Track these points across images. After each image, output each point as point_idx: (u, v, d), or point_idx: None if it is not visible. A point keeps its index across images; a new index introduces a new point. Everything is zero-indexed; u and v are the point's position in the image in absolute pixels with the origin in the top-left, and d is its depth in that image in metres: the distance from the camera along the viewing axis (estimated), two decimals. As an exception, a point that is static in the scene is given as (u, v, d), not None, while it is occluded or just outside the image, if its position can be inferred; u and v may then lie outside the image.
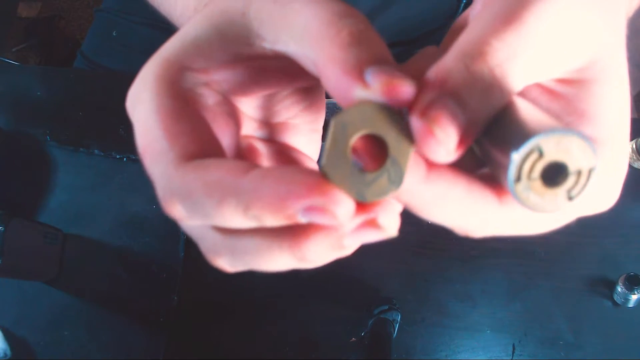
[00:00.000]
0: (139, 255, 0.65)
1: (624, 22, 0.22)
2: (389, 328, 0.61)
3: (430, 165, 0.20)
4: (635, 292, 0.59)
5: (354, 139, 0.19)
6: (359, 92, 0.18)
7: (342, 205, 0.18)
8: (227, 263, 0.21)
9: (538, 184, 0.18)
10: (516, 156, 0.17)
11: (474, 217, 0.21)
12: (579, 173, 0.18)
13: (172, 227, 0.64)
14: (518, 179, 0.18)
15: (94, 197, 0.67)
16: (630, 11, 0.27)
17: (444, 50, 0.26)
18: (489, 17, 0.20)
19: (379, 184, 0.19)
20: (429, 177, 0.20)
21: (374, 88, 0.18)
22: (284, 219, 0.18)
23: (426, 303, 0.63)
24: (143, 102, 0.21)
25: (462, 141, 0.19)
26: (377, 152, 0.19)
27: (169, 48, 0.22)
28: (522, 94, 0.21)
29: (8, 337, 0.63)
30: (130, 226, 0.66)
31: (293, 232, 0.19)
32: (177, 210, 0.20)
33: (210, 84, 0.23)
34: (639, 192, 0.66)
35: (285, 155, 0.27)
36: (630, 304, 0.61)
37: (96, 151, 0.68)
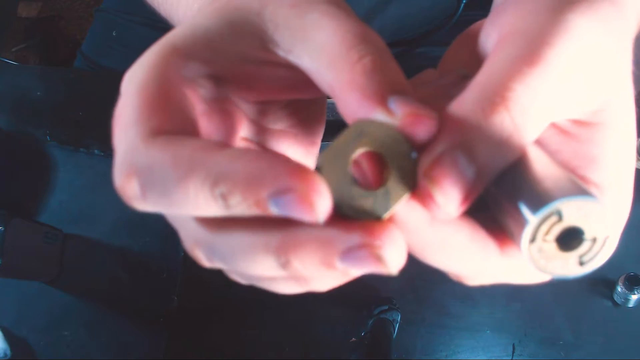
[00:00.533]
0: (139, 255, 0.65)
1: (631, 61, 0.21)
2: (389, 328, 0.61)
3: None
4: (635, 292, 0.59)
5: (362, 150, 0.18)
6: (379, 117, 0.18)
7: (323, 197, 0.16)
8: (204, 256, 0.19)
9: (552, 246, 0.17)
10: (534, 219, 0.17)
11: (473, 265, 0.20)
12: (594, 240, 0.17)
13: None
14: (533, 240, 0.17)
15: (94, 197, 0.67)
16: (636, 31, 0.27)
17: (444, 68, 0.25)
18: (509, 56, 0.18)
19: (362, 204, 0.18)
20: (434, 221, 0.18)
21: (397, 116, 0.18)
22: (253, 205, 0.16)
23: (426, 303, 0.63)
24: (134, 78, 0.20)
25: (466, 198, 0.18)
26: (376, 171, 0.19)
27: (178, 35, 0.21)
28: None
29: (8, 337, 0.63)
30: (130, 226, 0.66)
31: (282, 236, 0.17)
32: (130, 187, 0.18)
33: (213, 78, 0.22)
34: (639, 193, 0.66)
35: None
36: (630, 304, 0.61)
37: (96, 151, 0.68)
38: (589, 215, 0.17)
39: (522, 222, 0.17)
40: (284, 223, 0.17)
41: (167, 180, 0.17)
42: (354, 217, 0.18)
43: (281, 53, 0.21)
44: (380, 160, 0.18)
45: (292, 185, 0.16)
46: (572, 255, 0.17)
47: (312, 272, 0.17)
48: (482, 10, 0.69)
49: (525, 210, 0.17)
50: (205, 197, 0.17)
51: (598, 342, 0.61)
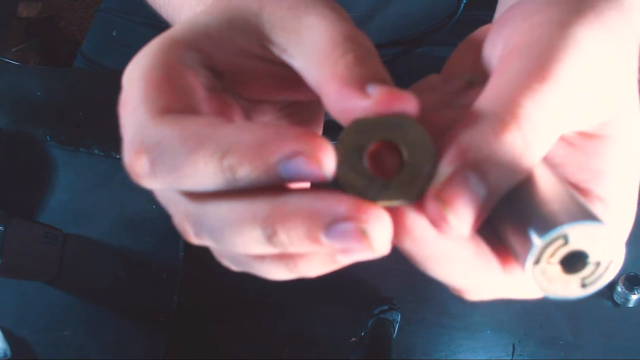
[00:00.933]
0: (139, 255, 0.65)
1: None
2: (389, 328, 0.61)
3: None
4: (635, 292, 0.59)
5: (377, 140, 0.18)
6: (359, 103, 0.18)
7: (329, 155, 0.17)
8: (192, 231, 0.19)
9: (556, 269, 0.17)
10: (540, 242, 0.17)
11: (474, 280, 0.20)
12: (598, 264, 0.17)
13: (172, 227, 0.64)
14: (537, 262, 0.17)
15: (94, 197, 0.67)
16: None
17: (448, 73, 0.25)
18: (517, 71, 0.18)
19: (364, 184, 0.18)
20: (440, 235, 0.18)
21: (374, 98, 0.18)
22: (263, 171, 0.17)
23: (426, 303, 0.63)
24: (137, 67, 0.20)
25: (478, 218, 0.17)
26: (391, 161, 0.19)
27: (178, 29, 0.22)
28: None
29: (8, 337, 0.63)
30: (130, 226, 0.66)
31: (270, 206, 0.17)
32: (141, 164, 0.18)
33: (212, 70, 0.22)
34: (639, 193, 0.66)
35: None
36: (630, 304, 0.61)
37: (96, 151, 0.68)
38: (595, 240, 0.17)
39: (527, 244, 0.17)
40: (273, 194, 0.18)
41: (176, 155, 0.17)
42: (350, 193, 0.18)
43: (276, 51, 0.22)
44: (398, 155, 0.19)
45: (299, 148, 0.16)
46: (575, 278, 0.17)
47: (298, 246, 0.17)
48: (482, 10, 0.69)
49: (531, 233, 0.17)
50: (215, 169, 0.17)
51: (598, 342, 0.61)
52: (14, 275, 0.62)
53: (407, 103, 0.18)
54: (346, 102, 0.18)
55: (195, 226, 0.19)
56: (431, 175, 0.18)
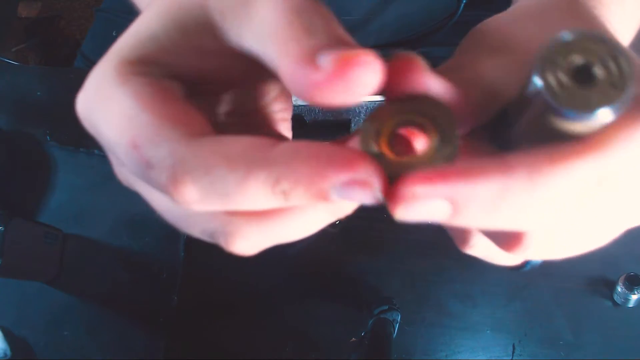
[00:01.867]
0: (139, 255, 0.65)
1: None
2: (389, 328, 0.61)
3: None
4: (635, 292, 0.59)
5: (400, 122, 0.19)
6: (312, 77, 0.17)
7: (378, 180, 0.17)
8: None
9: (575, 88, 0.17)
10: (537, 78, 0.17)
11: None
12: (606, 64, 0.17)
13: (172, 227, 0.64)
14: (554, 94, 0.17)
15: (94, 197, 0.67)
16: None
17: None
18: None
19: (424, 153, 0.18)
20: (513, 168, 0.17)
21: (325, 69, 0.16)
22: (314, 196, 0.17)
23: (426, 303, 0.63)
24: (109, 99, 0.19)
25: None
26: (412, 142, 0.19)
27: (123, 47, 0.20)
28: None
29: (8, 337, 0.63)
30: (130, 226, 0.66)
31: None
32: (189, 192, 0.17)
33: (177, 76, 0.21)
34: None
35: None
36: (630, 304, 0.61)
37: (96, 151, 0.68)
38: (580, 48, 0.17)
39: (536, 96, 0.17)
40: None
41: (227, 184, 0.17)
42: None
43: (233, 40, 0.20)
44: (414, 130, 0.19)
45: (354, 176, 0.16)
46: (600, 85, 0.17)
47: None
48: (482, 11, 0.69)
49: (530, 90, 0.17)
50: (266, 194, 0.17)
51: (598, 342, 0.61)
52: (14, 275, 0.62)
53: (364, 66, 0.17)
54: (299, 80, 0.17)
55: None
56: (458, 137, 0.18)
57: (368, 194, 0.17)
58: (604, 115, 0.16)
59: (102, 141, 0.20)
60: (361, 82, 0.17)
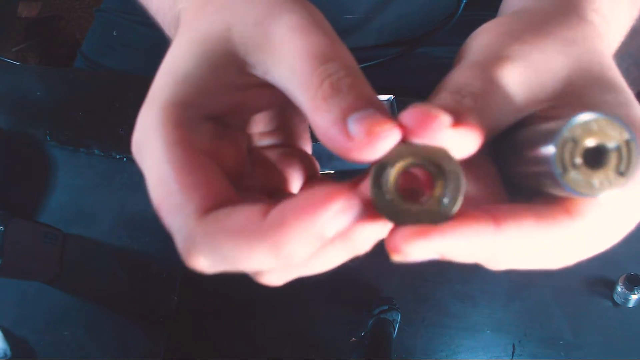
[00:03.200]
0: (139, 255, 0.65)
1: None
2: (389, 328, 0.61)
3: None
4: (635, 292, 0.59)
5: (406, 166, 0.19)
6: (344, 145, 0.19)
7: (377, 229, 0.19)
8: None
9: (584, 169, 0.18)
10: (553, 149, 0.18)
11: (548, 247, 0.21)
12: (619, 150, 0.18)
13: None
14: (564, 170, 0.18)
15: (94, 197, 0.67)
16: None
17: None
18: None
19: (426, 206, 0.19)
20: (500, 226, 0.19)
21: (356, 140, 0.18)
22: (314, 241, 0.18)
23: (426, 303, 0.63)
24: (152, 151, 0.21)
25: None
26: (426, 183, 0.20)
27: (164, 89, 0.21)
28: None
29: (8, 337, 0.63)
30: (130, 226, 0.66)
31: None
32: (200, 264, 0.20)
33: (210, 115, 0.22)
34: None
35: (290, 156, 0.27)
36: (630, 304, 0.61)
37: (96, 151, 0.68)
38: (599, 129, 0.18)
39: (547, 163, 0.18)
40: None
41: (233, 256, 0.19)
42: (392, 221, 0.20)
43: (260, 74, 0.21)
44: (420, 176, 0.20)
45: (348, 219, 0.18)
46: (608, 170, 0.18)
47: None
48: (482, 10, 0.69)
49: (543, 156, 0.18)
50: (271, 261, 0.19)
51: (598, 342, 0.61)
52: (14, 275, 0.62)
53: (389, 136, 0.18)
54: (331, 141, 0.19)
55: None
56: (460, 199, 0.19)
57: (352, 214, 0.18)
58: (602, 197, 0.18)
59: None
60: (385, 146, 0.19)
